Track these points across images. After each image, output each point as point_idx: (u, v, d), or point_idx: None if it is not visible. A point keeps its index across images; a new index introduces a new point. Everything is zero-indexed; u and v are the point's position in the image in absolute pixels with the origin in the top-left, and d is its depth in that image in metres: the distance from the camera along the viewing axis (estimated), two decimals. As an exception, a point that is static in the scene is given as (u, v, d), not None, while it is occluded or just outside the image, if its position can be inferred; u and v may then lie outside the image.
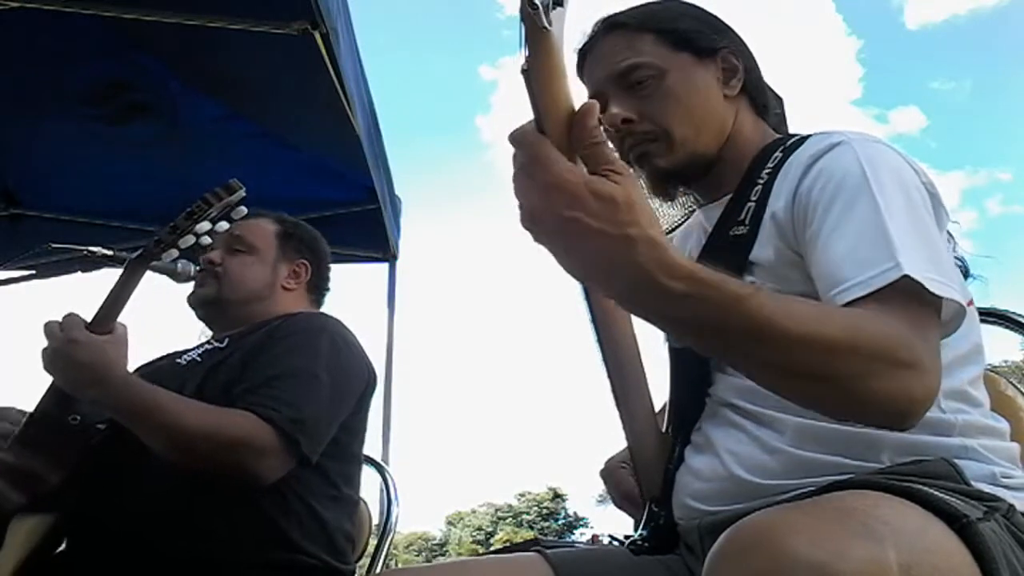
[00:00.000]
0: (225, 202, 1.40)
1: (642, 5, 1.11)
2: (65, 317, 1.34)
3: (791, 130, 1.16)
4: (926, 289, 0.79)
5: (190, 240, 1.40)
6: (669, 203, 1.18)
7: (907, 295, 0.79)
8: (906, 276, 0.79)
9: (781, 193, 0.97)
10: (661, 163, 1.06)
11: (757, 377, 0.78)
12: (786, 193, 0.96)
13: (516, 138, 0.67)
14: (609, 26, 1.09)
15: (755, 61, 1.14)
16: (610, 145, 0.70)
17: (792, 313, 0.72)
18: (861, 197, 0.87)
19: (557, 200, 0.64)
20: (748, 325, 0.70)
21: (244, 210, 1.45)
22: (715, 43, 1.08)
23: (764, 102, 1.13)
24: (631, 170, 0.70)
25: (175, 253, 1.41)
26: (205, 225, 1.40)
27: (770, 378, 0.77)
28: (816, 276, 0.88)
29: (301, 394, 1.34)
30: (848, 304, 0.81)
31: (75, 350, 1.30)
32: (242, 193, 1.41)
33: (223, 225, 1.44)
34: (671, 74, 1.05)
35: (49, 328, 1.33)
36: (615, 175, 0.66)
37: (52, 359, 1.32)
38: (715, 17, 1.12)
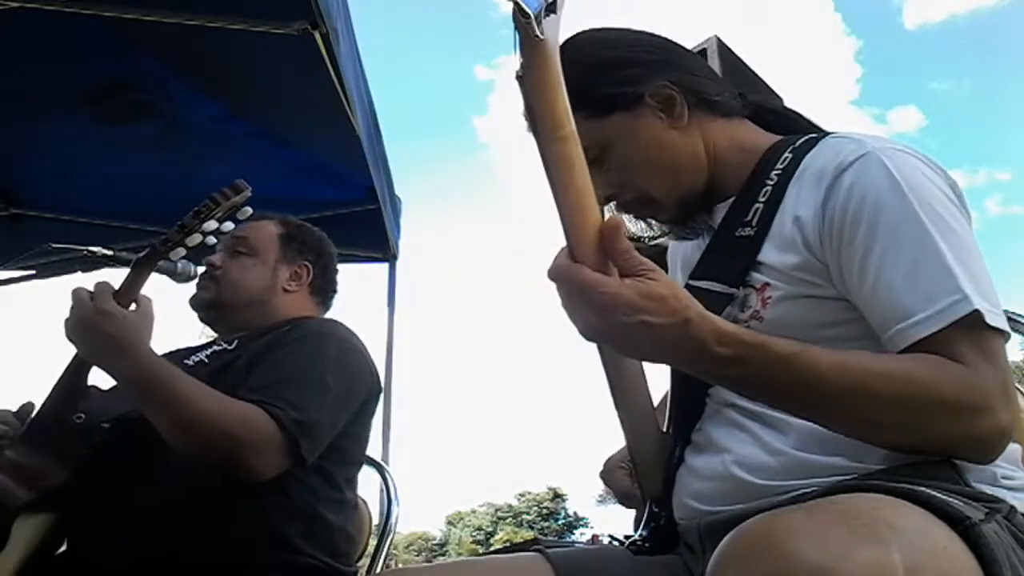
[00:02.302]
0: (231, 202, 1.41)
1: None
2: (96, 285, 1.34)
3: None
4: (985, 322, 0.82)
5: (197, 239, 1.41)
6: None
7: (976, 327, 0.82)
8: (976, 310, 0.82)
9: (804, 200, 0.95)
10: (662, 219, 1.10)
11: (819, 423, 0.84)
12: (812, 203, 0.93)
13: (554, 274, 0.76)
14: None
15: (690, 66, 1.08)
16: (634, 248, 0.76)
17: (847, 366, 0.78)
18: (905, 219, 0.87)
19: (618, 312, 0.73)
20: (798, 381, 0.78)
21: (249, 210, 1.46)
22: (636, 89, 1.02)
23: (727, 103, 1.07)
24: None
25: (182, 251, 1.42)
26: (211, 224, 1.41)
27: (831, 425, 0.83)
28: (869, 305, 0.88)
29: (307, 397, 1.34)
30: (921, 340, 0.83)
31: (103, 321, 1.31)
32: (248, 194, 1.42)
33: (228, 225, 1.45)
34: (615, 143, 1.03)
35: (78, 295, 1.33)
36: (651, 273, 0.75)
37: (77, 327, 1.32)
38: (622, 47, 1.06)
